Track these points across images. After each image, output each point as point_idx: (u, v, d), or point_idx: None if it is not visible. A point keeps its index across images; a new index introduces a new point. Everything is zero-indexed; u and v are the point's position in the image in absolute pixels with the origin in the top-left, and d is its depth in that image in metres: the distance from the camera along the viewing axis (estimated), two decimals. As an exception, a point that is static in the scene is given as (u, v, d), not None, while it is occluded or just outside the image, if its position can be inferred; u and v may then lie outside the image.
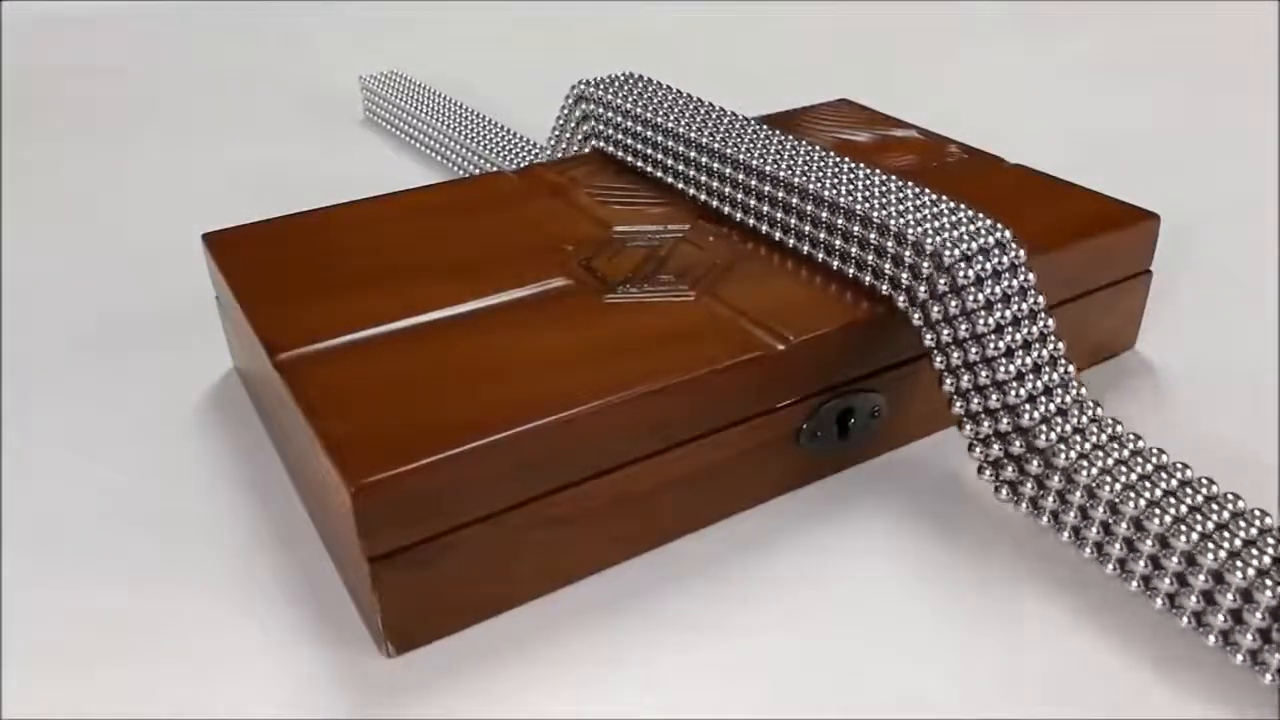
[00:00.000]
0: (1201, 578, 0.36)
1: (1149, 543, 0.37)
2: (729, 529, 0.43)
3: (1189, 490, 0.38)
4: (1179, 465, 0.39)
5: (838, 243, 0.45)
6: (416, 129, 0.83)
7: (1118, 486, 0.38)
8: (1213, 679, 0.36)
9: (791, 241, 0.47)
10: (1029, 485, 0.40)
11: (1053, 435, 0.39)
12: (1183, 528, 0.36)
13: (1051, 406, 0.40)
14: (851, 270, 0.45)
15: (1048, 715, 0.35)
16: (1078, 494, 0.39)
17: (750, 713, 0.35)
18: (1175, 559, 0.36)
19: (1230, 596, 0.35)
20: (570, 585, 0.40)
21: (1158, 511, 0.37)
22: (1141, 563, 0.37)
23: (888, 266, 0.43)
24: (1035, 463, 0.40)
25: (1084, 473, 0.38)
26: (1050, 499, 0.40)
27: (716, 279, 0.46)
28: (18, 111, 0.96)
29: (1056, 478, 0.39)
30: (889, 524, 0.43)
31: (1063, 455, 0.39)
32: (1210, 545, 0.35)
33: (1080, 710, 0.35)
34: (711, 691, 0.36)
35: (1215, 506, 0.37)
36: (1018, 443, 0.40)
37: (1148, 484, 0.38)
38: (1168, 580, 0.37)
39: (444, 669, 0.37)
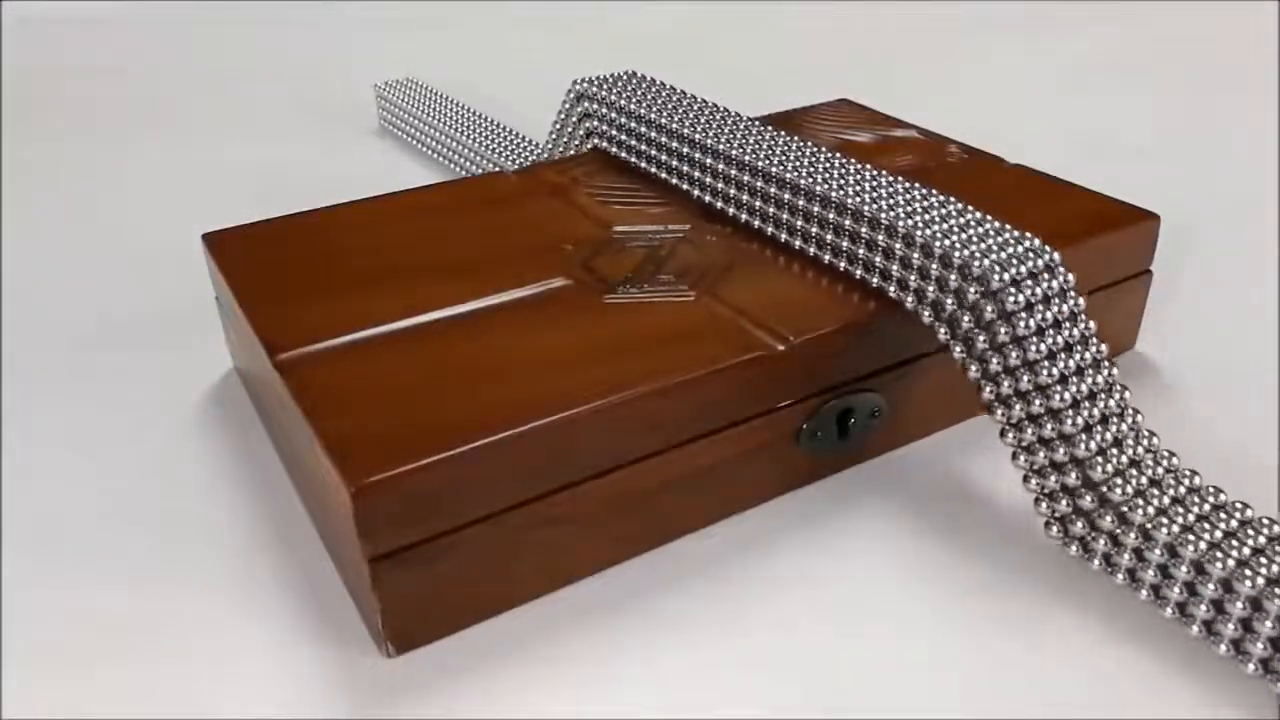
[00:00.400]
0: (1211, 587, 0.35)
1: (1157, 552, 0.37)
2: (729, 529, 0.43)
3: (1224, 514, 0.37)
4: (1212, 489, 0.38)
5: (845, 244, 0.45)
6: (426, 134, 0.82)
7: (1167, 524, 0.37)
8: (1219, 681, 0.36)
9: (793, 241, 0.47)
10: (1083, 523, 0.39)
11: (1129, 489, 0.38)
12: (1190, 536, 0.36)
13: (1125, 459, 0.39)
14: (844, 265, 0.45)
15: (1048, 716, 0.35)
16: (1105, 512, 0.38)
17: (750, 713, 0.35)
18: (1185, 568, 0.36)
19: (1241, 605, 0.35)
20: (570, 585, 0.40)
21: (1162, 520, 0.37)
22: (1150, 572, 0.37)
23: (895, 268, 0.43)
24: (1105, 514, 0.39)
25: (1141, 513, 0.38)
26: (1099, 536, 0.39)
27: (716, 279, 0.46)
28: (18, 111, 0.96)
29: (1117, 522, 0.38)
30: (889, 524, 0.43)
31: (1140, 513, 0.38)
32: (1219, 554, 0.35)
33: (1080, 711, 0.35)
34: (711, 691, 0.36)
35: (1224, 515, 0.37)
36: (1089, 497, 0.39)
37: (1200, 520, 0.37)
38: (1177, 589, 0.37)
39: (444, 669, 0.37)
